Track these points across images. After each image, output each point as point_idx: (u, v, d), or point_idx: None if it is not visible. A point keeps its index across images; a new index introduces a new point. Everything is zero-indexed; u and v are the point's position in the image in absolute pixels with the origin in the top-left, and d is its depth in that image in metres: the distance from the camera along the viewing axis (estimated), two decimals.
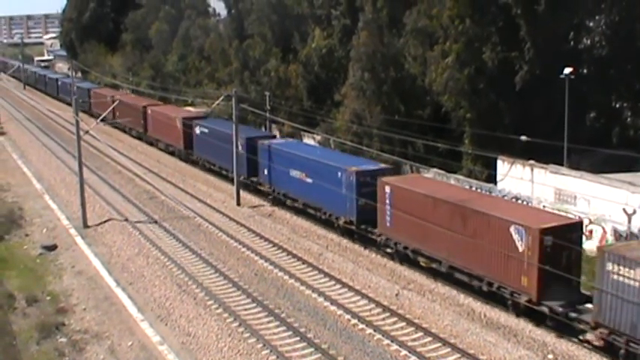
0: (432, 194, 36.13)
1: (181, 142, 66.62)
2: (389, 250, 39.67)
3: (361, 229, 41.61)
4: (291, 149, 49.95)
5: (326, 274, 37.58)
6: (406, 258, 38.14)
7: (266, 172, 51.40)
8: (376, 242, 40.54)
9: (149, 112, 75.82)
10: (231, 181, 53.46)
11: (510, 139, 44.98)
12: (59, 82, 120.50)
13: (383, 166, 44.47)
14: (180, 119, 66.73)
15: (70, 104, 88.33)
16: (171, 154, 70.19)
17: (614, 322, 27.43)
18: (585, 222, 38.17)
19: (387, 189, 38.85)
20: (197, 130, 63.08)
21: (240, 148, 52.23)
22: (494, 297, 32.76)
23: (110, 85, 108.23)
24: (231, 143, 52.36)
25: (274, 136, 58.44)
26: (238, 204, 51.62)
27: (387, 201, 38.90)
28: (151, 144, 76.19)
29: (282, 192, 49.79)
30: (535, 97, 47.53)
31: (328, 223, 44.79)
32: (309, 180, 46.00)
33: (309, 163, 46.35)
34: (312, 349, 29.30)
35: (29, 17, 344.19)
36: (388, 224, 39.19)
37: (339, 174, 42.50)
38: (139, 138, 79.56)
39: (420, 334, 30.51)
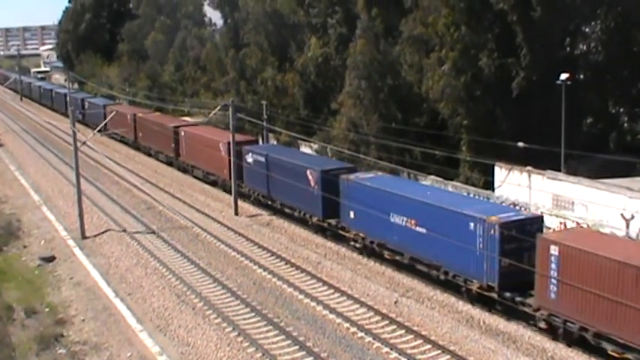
0: (631, 261, 26.81)
1: (226, 171, 55.99)
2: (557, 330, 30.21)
3: (506, 297, 32.11)
4: (391, 188, 39.34)
5: (324, 283, 37.52)
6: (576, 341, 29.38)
7: (352, 214, 41.46)
8: (530, 316, 31.41)
9: (182, 133, 65.78)
10: (304, 222, 47.00)
11: (507, 145, 45.01)
12: (86, 104, 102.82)
13: (532, 214, 36.59)
14: (225, 144, 55.81)
15: (85, 124, 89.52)
16: (212, 184, 60.64)
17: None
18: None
19: (554, 250, 29.20)
20: (249, 158, 52.80)
21: (312, 183, 44.56)
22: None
23: (107, 95, 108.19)
24: (300, 177, 45.42)
25: (354, 169, 45.60)
26: (236, 213, 51.58)
27: (553, 265, 29.31)
28: (184, 170, 66.31)
29: (376, 241, 39.79)
30: (532, 103, 47.62)
31: (449, 285, 35.31)
32: (420, 229, 36.37)
33: (422, 207, 36.44)
34: (311, 358, 29.24)
35: (25, 29, 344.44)
36: (552, 296, 29.69)
37: (472, 225, 32.97)
38: (169, 163, 70.11)
39: (419, 341, 30.45)
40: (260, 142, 65.65)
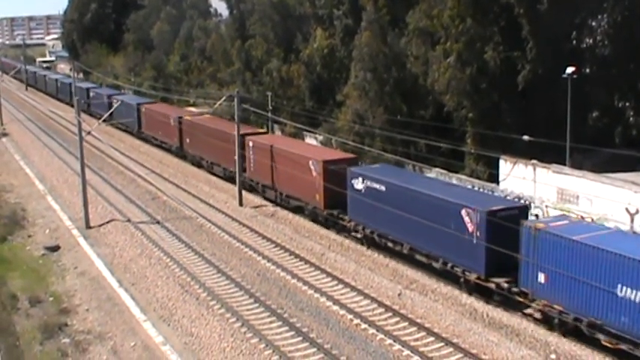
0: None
1: (319, 197, 44.71)
2: None
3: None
4: (621, 248, 27.48)
5: (328, 274, 37.56)
6: None
7: (542, 277, 30.14)
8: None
9: (250, 144, 53.42)
10: (449, 276, 35.69)
11: (513, 138, 44.95)
12: (91, 93, 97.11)
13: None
14: (318, 163, 44.60)
15: (90, 114, 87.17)
16: (297, 210, 48.34)
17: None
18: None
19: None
20: (358, 184, 41.15)
21: (471, 227, 33.35)
22: None
23: (112, 85, 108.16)
24: (448, 217, 34.35)
25: (525, 208, 35.66)
26: (241, 204, 51.60)
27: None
28: (251, 189, 54.31)
29: (586, 320, 28.54)
30: (537, 96, 47.53)
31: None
32: None
33: None
34: (314, 349, 29.29)
35: (31, 18, 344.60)
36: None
37: None
38: (230, 179, 56.39)
39: (423, 333, 30.49)
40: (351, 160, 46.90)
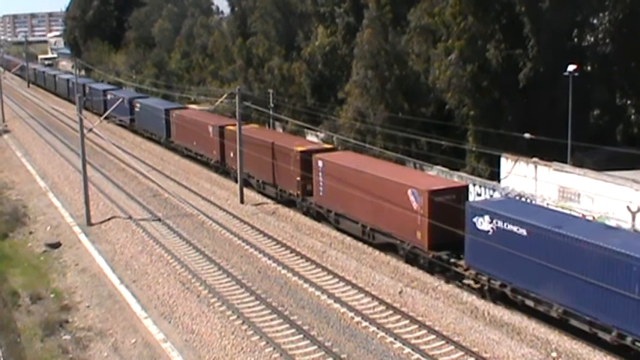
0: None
1: (421, 233, 36.38)
2: None
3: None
4: None
5: (329, 272, 37.56)
6: None
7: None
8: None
9: (319, 164, 44.68)
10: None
11: (514, 136, 44.93)
12: (109, 96, 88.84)
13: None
14: (422, 193, 36.03)
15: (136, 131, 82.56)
16: (386, 248, 40.05)
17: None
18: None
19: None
20: (482, 224, 32.49)
21: None
22: None
23: (114, 82, 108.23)
24: (616, 274, 27.04)
25: None
26: (242, 201, 51.61)
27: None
28: (318, 217, 46.19)
29: None
30: (539, 94, 47.51)
31: None
32: None
33: None
34: (315, 347, 29.29)
35: (33, 15, 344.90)
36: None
37: None
38: (291, 202, 49.38)
39: (424, 331, 30.47)
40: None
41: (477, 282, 33.64)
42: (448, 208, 34.88)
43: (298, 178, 46.81)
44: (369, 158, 47.09)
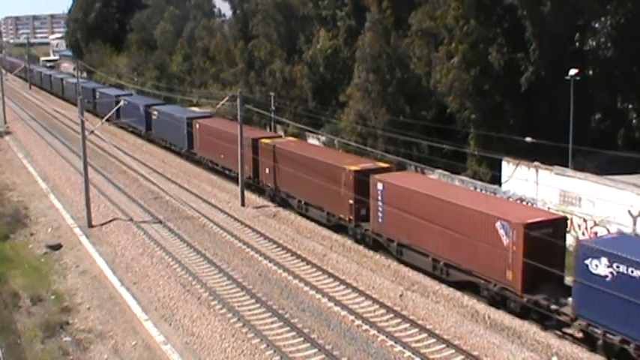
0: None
1: (513, 276, 31.63)
2: None
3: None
4: None
5: (330, 275, 37.55)
6: None
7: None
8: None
9: (378, 186, 39.65)
10: None
11: (515, 140, 44.89)
12: (123, 102, 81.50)
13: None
14: (515, 227, 31.24)
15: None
16: (466, 287, 34.76)
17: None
18: (590, 224, 38.37)
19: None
20: (598, 267, 27.84)
21: None
22: None
23: (115, 85, 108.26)
24: None
25: None
26: (243, 204, 51.60)
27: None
28: (376, 246, 41.07)
29: None
30: (540, 98, 47.49)
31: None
32: None
33: None
34: (315, 350, 29.29)
35: (35, 17, 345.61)
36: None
37: None
38: (341, 228, 44.20)
39: (424, 335, 30.47)
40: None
41: (587, 334, 28.87)
42: (545, 244, 30.59)
43: (351, 202, 41.83)
44: (439, 181, 43.41)
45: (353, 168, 42.41)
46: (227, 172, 58.58)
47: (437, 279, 35.82)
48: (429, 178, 44.30)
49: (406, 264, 38.16)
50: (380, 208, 39.65)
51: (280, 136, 55.71)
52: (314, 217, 46.58)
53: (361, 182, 41.15)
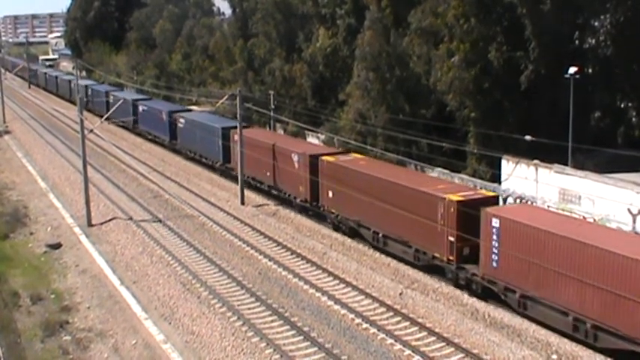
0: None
1: None
2: None
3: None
4: None
5: (330, 274, 37.54)
6: None
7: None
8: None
9: (494, 223, 32.23)
10: None
11: (515, 138, 44.92)
12: (141, 107, 78.74)
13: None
14: None
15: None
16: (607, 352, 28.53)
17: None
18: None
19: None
20: None
21: None
22: None
23: (114, 83, 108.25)
24: None
25: None
26: (242, 203, 51.58)
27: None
28: (486, 294, 33.79)
29: None
30: (540, 96, 47.52)
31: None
32: None
33: None
34: (315, 348, 29.27)
35: (34, 16, 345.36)
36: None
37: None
38: (435, 269, 36.77)
39: (424, 333, 30.46)
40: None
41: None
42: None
43: (452, 239, 34.57)
44: (572, 218, 33.34)
45: (455, 198, 34.77)
46: (275, 191, 51.62)
47: (582, 343, 28.91)
48: (556, 214, 34.06)
49: (531, 319, 31.13)
50: (495, 250, 32.36)
51: (345, 152, 47.91)
52: (395, 252, 39.20)
53: (467, 216, 33.58)
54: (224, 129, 58.40)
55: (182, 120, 67.24)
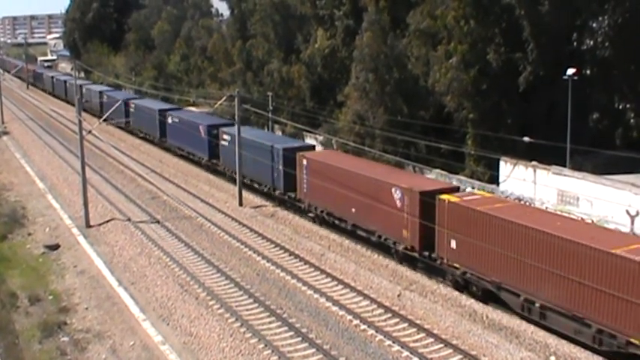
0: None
1: None
2: None
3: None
4: None
5: (328, 275, 37.52)
6: None
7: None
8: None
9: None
10: None
11: (513, 140, 44.99)
12: (169, 119, 70.35)
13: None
14: None
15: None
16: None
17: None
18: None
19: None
20: None
21: None
22: None
23: (113, 85, 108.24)
24: None
25: None
26: (240, 204, 51.55)
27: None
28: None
29: None
30: (538, 98, 47.57)
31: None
32: None
33: None
34: (313, 350, 29.25)
35: (33, 17, 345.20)
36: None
37: None
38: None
39: (422, 335, 30.45)
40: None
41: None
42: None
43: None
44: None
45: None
46: (362, 233, 41.44)
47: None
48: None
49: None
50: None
51: (471, 193, 38.55)
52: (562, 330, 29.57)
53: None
54: (287, 149, 49.27)
55: (227, 137, 57.35)
